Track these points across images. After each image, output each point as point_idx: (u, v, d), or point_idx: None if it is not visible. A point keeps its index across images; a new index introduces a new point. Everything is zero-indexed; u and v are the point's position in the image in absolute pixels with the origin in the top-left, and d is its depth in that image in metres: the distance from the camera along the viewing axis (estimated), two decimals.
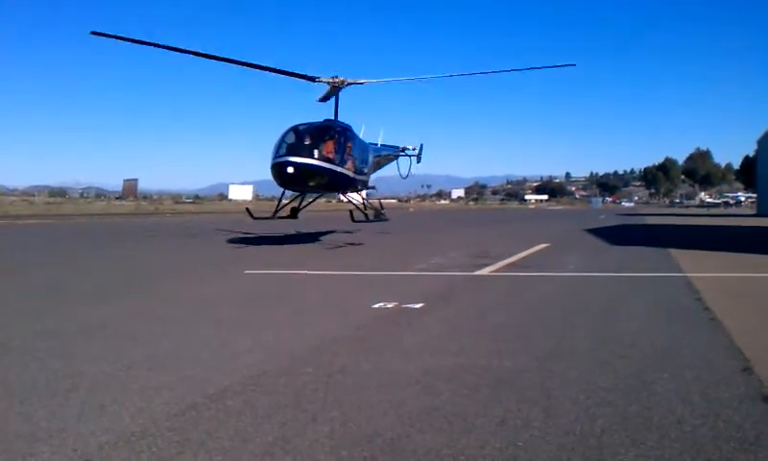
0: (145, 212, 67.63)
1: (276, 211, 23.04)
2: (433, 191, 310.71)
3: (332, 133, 21.70)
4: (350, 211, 22.42)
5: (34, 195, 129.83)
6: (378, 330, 8.08)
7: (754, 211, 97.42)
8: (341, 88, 22.96)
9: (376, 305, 9.78)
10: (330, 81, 22.60)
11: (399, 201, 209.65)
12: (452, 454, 4.10)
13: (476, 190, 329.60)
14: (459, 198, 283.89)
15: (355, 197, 23.80)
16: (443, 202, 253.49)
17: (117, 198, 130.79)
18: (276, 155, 20.32)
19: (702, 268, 14.95)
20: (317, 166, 20.26)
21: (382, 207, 25.17)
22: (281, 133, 20.94)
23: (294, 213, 23.72)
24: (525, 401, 5.13)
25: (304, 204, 24.08)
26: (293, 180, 20.26)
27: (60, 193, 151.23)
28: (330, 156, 20.82)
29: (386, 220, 25.03)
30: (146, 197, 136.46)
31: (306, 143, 20.46)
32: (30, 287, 12.45)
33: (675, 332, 7.90)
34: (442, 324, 8.57)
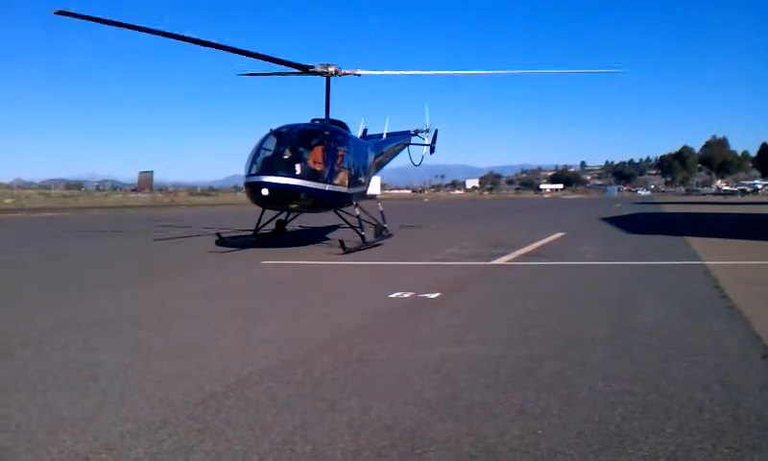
0: (161, 204, 67.86)
1: (258, 229, 19.13)
2: (447, 181, 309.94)
3: (319, 140, 17.78)
4: (341, 241, 16.84)
5: (50, 188, 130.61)
6: (395, 320, 8.09)
7: None
8: (331, 78, 19.57)
9: (393, 295, 9.79)
10: (321, 70, 19.32)
11: (414, 191, 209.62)
12: (472, 442, 4.10)
13: (491, 180, 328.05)
14: (474, 188, 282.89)
15: (349, 214, 19.08)
16: (457, 192, 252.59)
17: (133, 190, 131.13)
18: (250, 171, 16.91)
19: (720, 256, 14.84)
20: (298, 187, 16.62)
21: (384, 220, 20.53)
22: (259, 140, 17.59)
23: (280, 227, 20.54)
24: (544, 390, 5.12)
25: (292, 215, 20.64)
26: (270, 202, 16.90)
27: (76, 186, 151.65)
28: (316, 170, 17.12)
29: (388, 236, 20.02)
30: (161, 189, 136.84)
31: (285, 157, 16.91)
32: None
33: (693, 321, 7.85)
34: (458, 313, 8.57)
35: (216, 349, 6.58)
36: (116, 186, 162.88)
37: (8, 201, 62.75)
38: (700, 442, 4.08)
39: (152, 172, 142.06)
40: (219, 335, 7.21)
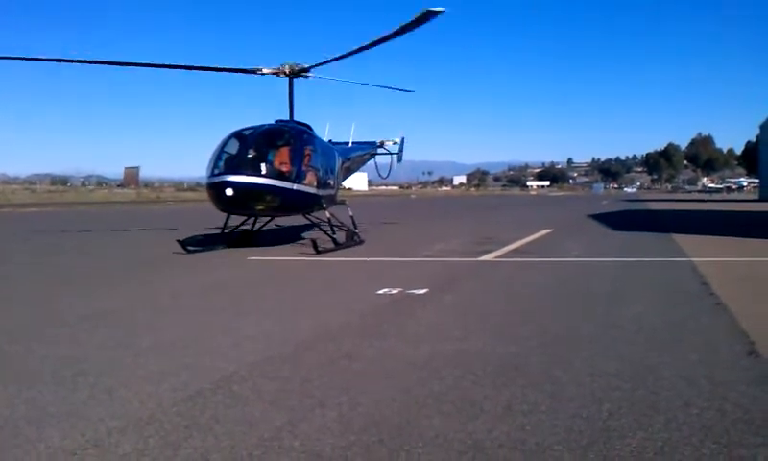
0: (146, 200, 67.60)
1: (225, 234, 17.61)
2: (434, 178, 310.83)
3: (285, 139, 17.28)
4: (313, 241, 16.03)
5: (35, 184, 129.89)
6: (383, 316, 8.08)
7: (756, 196, 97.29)
8: (293, 78, 18.62)
9: (380, 292, 9.78)
10: (276, 71, 18.37)
11: (401, 187, 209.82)
12: (460, 439, 4.10)
13: (478, 177, 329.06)
14: (461, 184, 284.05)
15: (319, 219, 18.15)
16: (444, 188, 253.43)
17: (119, 186, 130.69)
18: (212, 172, 16.15)
19: (706, 253, 14.93)
20: (264, 186, 15.97)
21: (356, 226, 18.92)
22: (220, 142, 16.79)
23: (247, 238, 18.18)
24: (531, 386, 5.13)
25: (260, 224, 19.07)
26: (234, 204, 15.94)
27: (61, 181, 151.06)
28: (283, 169, 16.49)
29: (360, 242, 18.08)
30: (147, 185, 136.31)
31: (250, 156, 16.21)
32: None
33: (680, 317, 7.89)
34: (446, 309, 8.59)
35: (203, 345, 6.57)
36: (102, 182, 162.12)
37: None
38: (687, 437, 4.09)
39: (137, 167, 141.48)
40: (206, 332, 7.19)
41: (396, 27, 15.74)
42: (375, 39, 16.73)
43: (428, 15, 14.97)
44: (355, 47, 17.28)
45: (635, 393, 4.95)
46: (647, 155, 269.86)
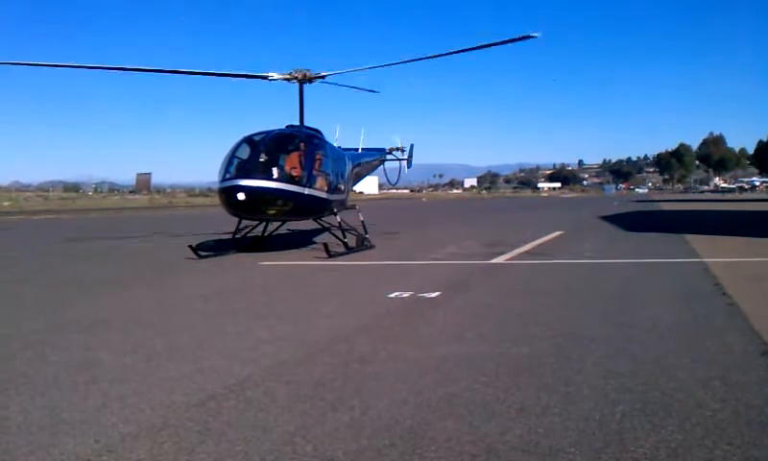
0: (158, 206, 67.86)
1: (236, 239, 17.73)
2: (445, 180, 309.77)
3: (296, 143, 17.35)
4: (325, 245, 16.15)
5: (48, 190, 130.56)
6: (395, 320, 8.09)
7: None
8: (303, 84, 18.80)
9: (392, 295, 9.79)
10: (288, 76, 18.56)
11: (411, 191, 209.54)
12: (473, 441, 4.10)
13: (489, 179, 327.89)
14: (472, 187, 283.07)
15: (331, 222, 18.33)
16: (455, 191, 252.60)
17: (131, 192, 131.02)
18: (224, 177, 16.21)
19: (718, 253, 14.86)
20: (276, 191, 16.00)
21: (366, 231, 18.68)
22: (232, 147, 16.84)
23: (258, 243, 18.02)
24: (544, 388, 5.12)
25: (271, 229, 18.93)
26: (246, 208, 16.04)
27: (73, 188, 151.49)
28: (294, 174, 16.46)
29: (370, 247, 17.98)
30: (159, 191, 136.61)
31: (262, 160, 16.28)
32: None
33: (693, 317, 7.87)
34: (458, 312, 8.57)
35: (216, 349, 6.58)
36: (114, 188, 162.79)
37: (5, 203, 62.75)
38: (701, 439, 4.08)
39: (149, 173, 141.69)
40: (219, 336, 7.21)
41: (487, 41, 17.40)
42: (449, 51, 18.25)
43: (524, 38, 16.87)
44: (391, 61, 17.98)
45: (648, 394, 4.93)
46: (658, 155, 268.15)
